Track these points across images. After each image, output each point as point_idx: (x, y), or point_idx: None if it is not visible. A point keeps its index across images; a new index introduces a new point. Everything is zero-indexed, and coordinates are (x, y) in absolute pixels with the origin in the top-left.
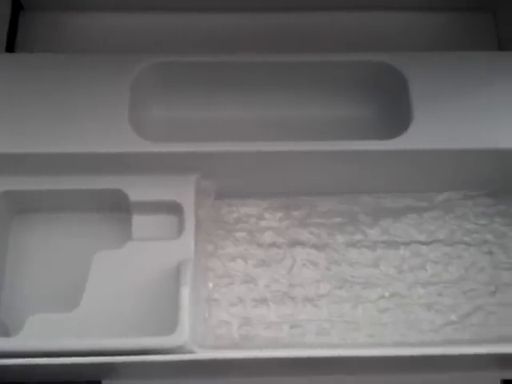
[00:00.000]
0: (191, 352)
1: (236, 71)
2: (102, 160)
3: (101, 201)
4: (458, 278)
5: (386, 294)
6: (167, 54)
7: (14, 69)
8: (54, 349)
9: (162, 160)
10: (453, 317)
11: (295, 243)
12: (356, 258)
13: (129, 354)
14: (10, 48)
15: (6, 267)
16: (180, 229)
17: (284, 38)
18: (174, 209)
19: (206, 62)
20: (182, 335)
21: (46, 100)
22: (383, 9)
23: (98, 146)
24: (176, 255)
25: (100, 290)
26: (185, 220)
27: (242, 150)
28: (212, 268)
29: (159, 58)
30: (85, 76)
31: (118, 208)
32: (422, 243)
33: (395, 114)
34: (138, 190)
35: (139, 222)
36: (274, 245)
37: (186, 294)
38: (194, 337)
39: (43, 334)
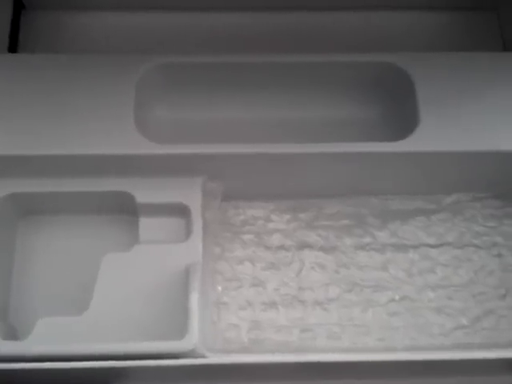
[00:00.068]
0: (202, 356)
1: (242, 72)
2: (108, 162)
3: (107, 203)
4: (468, 282)
5: (396, 298)
6: (173, 55)
7: (18, 69)
8: (64, 353)
9: (168, 162)
10: (463, 321)
11: (303, 246)
12: (365, 261)
13: (139, 358)
14: (13, 48)
15: (13, 269)
16: (187, 231)
17: (287, 37)
18: (181, 211)
19: (211, 62)
20: (192, 339)
21: (51, 101)
22: (386, 8)
23: (104, 147)
24: (184, 258)
25: (109, 293)
26: (192, 222)
27: (248, 152)
28: (220, 271)
29: (165, 59)
30: (89, 77)
31: (124, 210)
32: (431, 246)
33: (401, 115)
34: (145, 192)
35: (146, 224)
36: (282, 247)
37: (195, 298)
38: (204, 341)
39: (52, 338)
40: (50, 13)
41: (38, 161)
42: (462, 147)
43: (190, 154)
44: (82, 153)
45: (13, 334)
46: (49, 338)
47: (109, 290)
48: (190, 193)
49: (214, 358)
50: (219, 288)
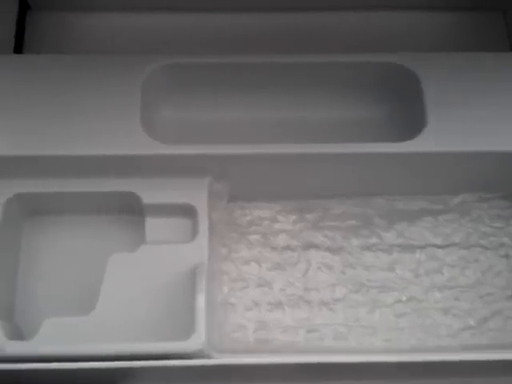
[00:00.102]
0: (209, 357)
1: (248, 72)
2: (114, 162)
3: (113, 203)
4: (475, 282)
5: (403, 299)
6: (179, 55)
7: (23, 70)
8: (70, 353)
9: (174, 162)
10: (470, 321)
11: (309, 246)
12: (371, 262)
13: (145, 358)
14: (18, 48)
15: (19, 270)
16: (194, 232)
17: (292, 38)
18: (187, 211)
19: (217, 63)
20: (198, 340)
21: (57, 101)
22: (391, 8)
23: (110, 148)
24: (190, 259)
25: (115, 294)
26: (198, 223)
27: (254, 153)
28: (226, 271)
29: (171, 59)
30: (95, 77)
31: (130, 211)
32: (438, 247)
33: (407, 116)
34: (151, 192)
35: (152, 224)
36: (288, 248)
37: (202, 299)
38: (210, 341)
39: (58, 338)
40: (56, 13)
41: (43, 161)
42: (470, 147)
43: (196, 154)
44: (88, 153)
45: (18, 334)
46: (55, 338)
47: (115, 290)
48: (196, 193)
49: (220, 359)
50: (225, 289)
